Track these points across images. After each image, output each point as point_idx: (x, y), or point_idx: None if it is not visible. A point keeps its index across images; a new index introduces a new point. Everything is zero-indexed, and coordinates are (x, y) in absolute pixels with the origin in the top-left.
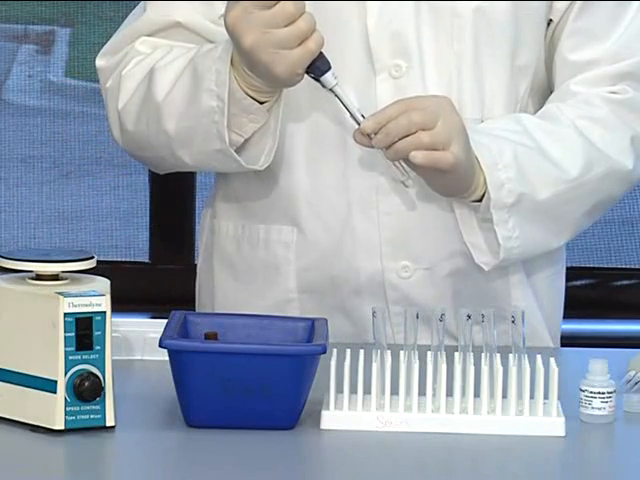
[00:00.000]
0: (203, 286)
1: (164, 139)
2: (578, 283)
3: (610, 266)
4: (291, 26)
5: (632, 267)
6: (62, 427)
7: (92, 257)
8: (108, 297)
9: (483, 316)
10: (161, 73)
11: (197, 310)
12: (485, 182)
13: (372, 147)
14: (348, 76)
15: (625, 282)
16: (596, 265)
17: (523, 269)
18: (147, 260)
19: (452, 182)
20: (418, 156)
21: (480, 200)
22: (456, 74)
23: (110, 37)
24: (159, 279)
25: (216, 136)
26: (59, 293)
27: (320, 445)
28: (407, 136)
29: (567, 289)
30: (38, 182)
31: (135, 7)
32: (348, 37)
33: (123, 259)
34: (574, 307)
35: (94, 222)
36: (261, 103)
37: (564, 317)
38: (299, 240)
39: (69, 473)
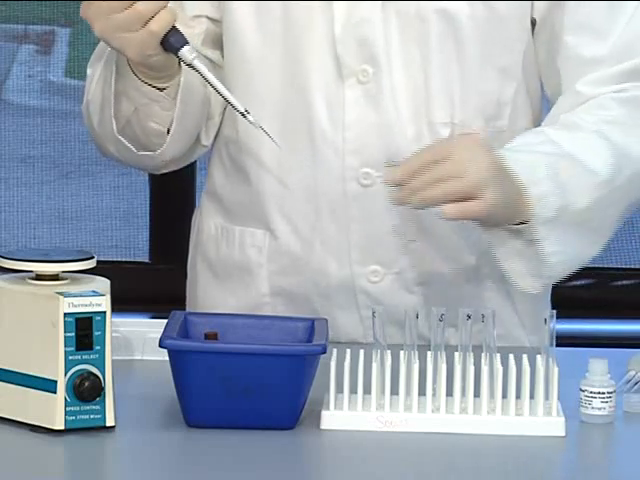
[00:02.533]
0: (189, 285)
1: (96, 138)
2: (578, 283)
3: (610, 266)
4: (130, 9)
5: (632, 267)
6: (62, 427)
7: (92, 257)
8: (108, 297)
9: (483, 316)
10: (92, 71)
11: (187, 309)
12: (527, 203)
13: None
14: (316, 81)
15: (625, 282)
16: (596, 265)
17: (498, 273)
18: (147, 260)
19: (491, 220)
20: (450, 212)
21: (520, 224)
22: (423, 79)
23: None
24: (159, 279)
25: (109, 121)
26: (59, 293)
27: (320, 445)
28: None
29: (567, 289)
30: (38, 182)
31: None
32: (316, 42)
33: (123, 259)
34: (574, 307)
35: (94, 222)
36: (161, 89)
37: (564, 317)
38: (271, 244)
39: (69, 473)
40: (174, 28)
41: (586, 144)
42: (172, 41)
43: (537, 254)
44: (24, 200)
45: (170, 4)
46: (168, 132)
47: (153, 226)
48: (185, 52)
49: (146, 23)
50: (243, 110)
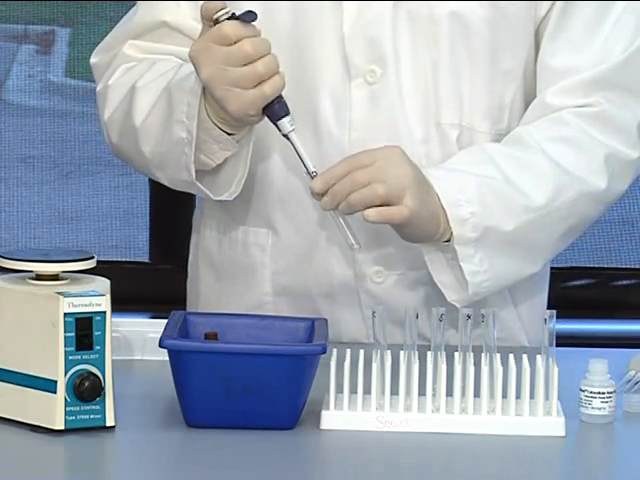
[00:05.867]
0: (190, 284)
1: (142, 160)
2: (578, 283)
3: (610, 266)
4: (248, 66)
5: (632, 267)
6: (62, 427)
7: (92, 257)
8: (108, 297)
9: (483, 316)
10: (140, 95)
11: (187, 309)
12: (448, 222)
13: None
14: (324, 80)
15: (625, 282)
16: (596, 265)
17: None
18: (147, 260)
19: (414, 231)
20: (371, 214)
21: (445, 240)
22: (432, 80)
23: None
24: (159, 279)
25: (184, 167)
26: (59, 293)
27: (320, 445)
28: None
29: (567, 289)
30: (38, 182)
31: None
32: (325, 41)
33: (123, 259)
34: (574, 307)
35: (94, 222)
36: (230, 134)
37: (564, 317)
38: (274, 243)
39: (69, 473)
40: (280, 95)
41: (526, 166)
42: (276, 108)
43: (462, 271)
44: (24, 200)
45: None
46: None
47: (153, 226)
48: (285, 122)
49: (259, 83)
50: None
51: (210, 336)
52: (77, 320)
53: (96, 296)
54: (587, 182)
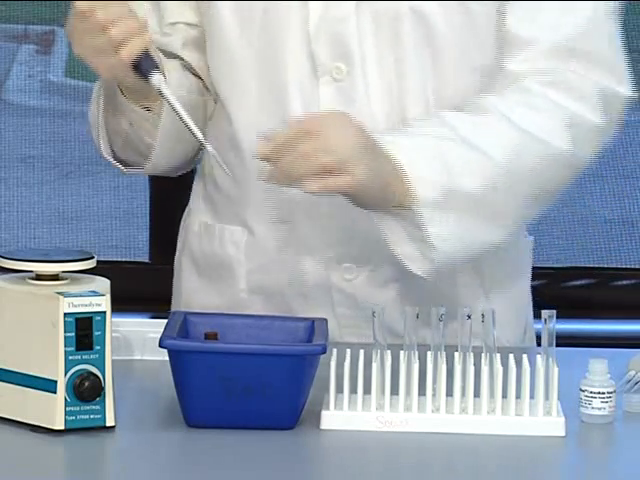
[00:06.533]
0: (174, 283)
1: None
2: (578, 283)
3: (610, 266)
4: (103, 35)
5: (632, 267)
6: (62, 427)
7: (92, 257)
8: (108, 297)
9: (483, 316)
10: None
11: (172, 306)
12: (408, 184)
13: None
14: (292, 79)
15: (625, 282)
16: (596, 265)
17: (476, 268)
18: (147, 260)
19: (365, 199)
20: (311, 186)
21: (405, 207)
22: (398, 77)
23: None
24: (159, 279)
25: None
26: (59, 293)
27: (320, 445)
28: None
29: (567, 289)
30: (38, 182)
31: None
32: (292, 40)
33: (123, 259)
34: (574, 307)
35: (94, 222)
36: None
37: (564, 317)
38: (248, 242)
39: (69, 473)
40: (147, 53)
41: (484, 127)
42: (142, 67)
43: (424, 237)
44: (24, 200)
45: (144, 19)
46: None
47: (153, 226)
48: (154, 78)
49: (119, 48)
50: (202, 139)
51: (210, 336)
52: (77, 320)
53: (96, 296)
54: (549, 144)
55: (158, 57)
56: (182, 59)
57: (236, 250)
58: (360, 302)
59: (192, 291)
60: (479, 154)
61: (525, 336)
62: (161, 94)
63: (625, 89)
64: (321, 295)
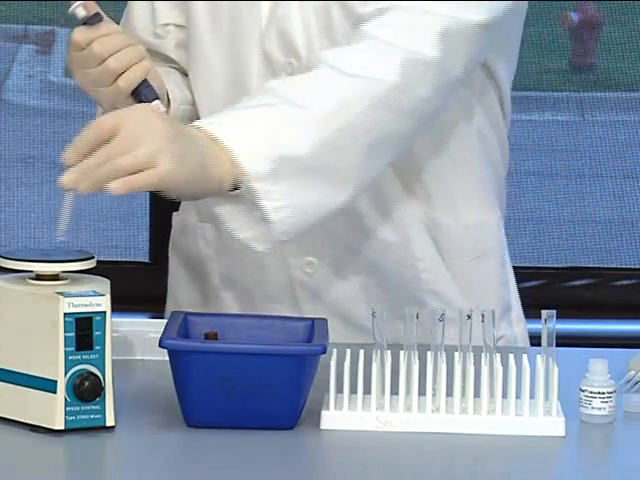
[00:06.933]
0: (169, 279)
1: None
2: (578, 283)
3: (610, 266)
4: (101, 66)
5: (632, 267)
6: (62, 427)
7: (92, 257)
8: (108, 297)
9: (483, 316)
10: None
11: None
12: (235, 161)
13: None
14: (254, 77)
15: (625, 282)
16: (596, 265)
17: (437, 254)
18: (147, 260)
19: (184, 190)
20: (116, 187)
21: (238, 188)
22: None
23: None
24: (159, 279)
25: None
26: (59, 293)
27: (320, 445)
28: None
29: (567, 289)
30: (38, 182)
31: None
32: (252, 39)
33: (123, 259)
34: (574, 307)
35: (94, 222)
36: None
37: (564, 317)
38: (217, 239)
39: (69, 473)
40: (145, 82)
41: (307, 84)
42: (142, 96)
43: (263, 215)
44: (24, 200)
45: (142, 47)
46: None
47: (153, 226)
48: (153, 107)
49: (117, 78)
50: None
51: (210, 336)
52: (77, 320)
53: (96, 296)
54: (379, 82)
55: (160, 80)
56: (174, 61)
57: (207, 247)
58: (324, 297)
59: (176, 288)
60: (303, 112)
61: (511, 315)
62: None
63: (475, 16)
64: (284, 291)
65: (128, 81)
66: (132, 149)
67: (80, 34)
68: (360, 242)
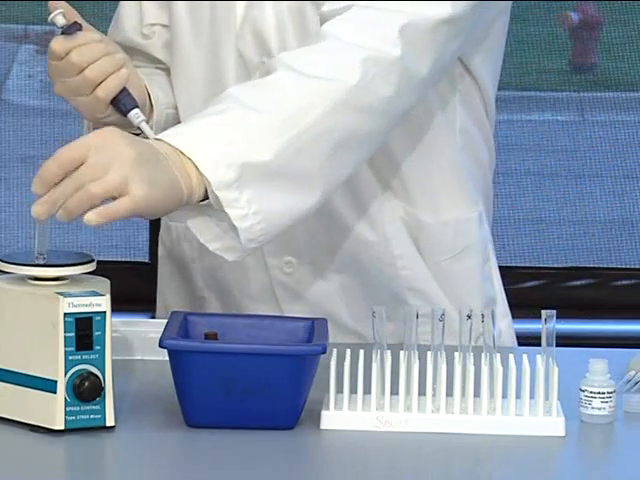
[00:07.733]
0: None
1: None
2: (578, 283)
3: (610, 266)
4: (79, 75)
5: (632, 267)
6: (62, 427)
7: (92, 260)
8: (108, 297)
9: (483, 316)
10: None
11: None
12: (200, 174)
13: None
14: (231, 78)
15: (625, 282)
16: (596, 265)
17: (417, 251)
18: (147, 260)
19: (155, 211)
20: (92, 218)
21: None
22: None
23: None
24: None
25: None
26: (59, 293)
27: (320, 445)
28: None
29: (567, 289)
30: None
31: None
32: (229, 40)
33: (123, 259)
34: (574, 307)
35: None
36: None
37: (564, 317)
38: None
39: (69, 473)
40: (124, 90)
41: (267, 88)
42: (120, 104)
43: (233, 224)
44: (24, 200)
45: (120, 56)
46: None
47: (153, 226)
48: (132, 115)
49: (96, 88)
50: None
51: (210, 336)
52: (77, 320)
53: (96, 296)
54: (339, 83)
55: (143, 88)
56: (161, 62)
57: (190, 248)
58: (304, 296)
59: (164, 288)
60: (266, 117)
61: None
62: (140, 129)
63: (437, 11)
64: (264, 291)
65: (106, 90)
66: (101, 176)
67: (58, 44)
68: (339, 241)
